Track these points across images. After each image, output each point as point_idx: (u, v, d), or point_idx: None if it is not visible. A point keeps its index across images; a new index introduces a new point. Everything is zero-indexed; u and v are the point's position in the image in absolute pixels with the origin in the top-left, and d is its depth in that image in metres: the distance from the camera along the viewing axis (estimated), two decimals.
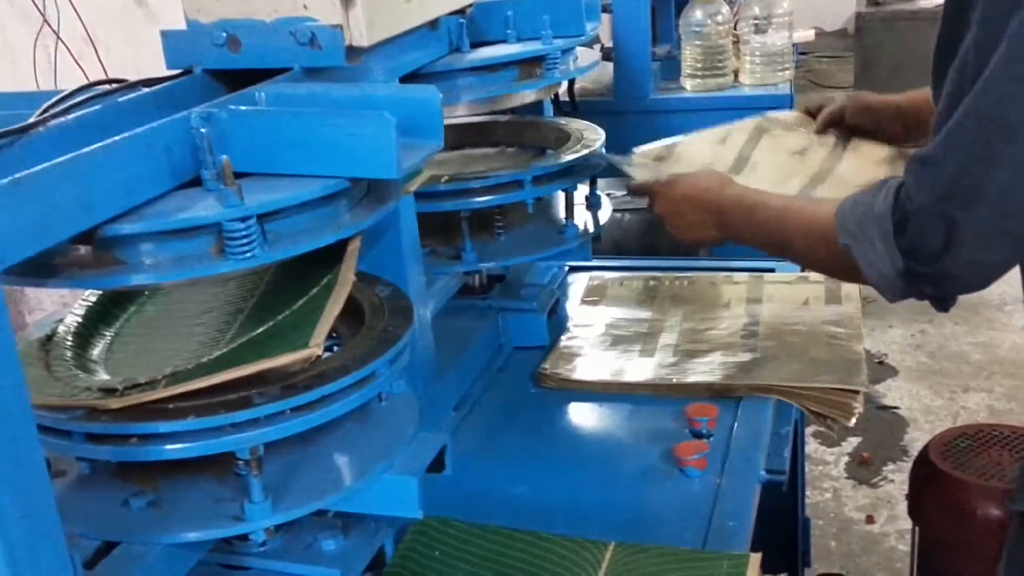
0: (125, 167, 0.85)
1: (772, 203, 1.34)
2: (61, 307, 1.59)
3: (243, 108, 0.95)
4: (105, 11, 2.13)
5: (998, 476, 1.68)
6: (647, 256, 2.37)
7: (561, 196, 1.68)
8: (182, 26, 1.16)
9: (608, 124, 1.73)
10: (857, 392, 1.51)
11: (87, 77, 1.96)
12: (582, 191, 1.71)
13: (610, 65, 3.21)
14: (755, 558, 1.10)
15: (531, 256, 1.64)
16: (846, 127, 1.67)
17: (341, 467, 1.02)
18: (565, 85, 1.78)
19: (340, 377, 0.96)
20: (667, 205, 1.47)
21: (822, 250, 1.19)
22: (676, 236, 1.49)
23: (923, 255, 1.06)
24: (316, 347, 0.90)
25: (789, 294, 1.83)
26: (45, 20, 1.93)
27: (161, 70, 1.15)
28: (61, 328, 1.07)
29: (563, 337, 1.76)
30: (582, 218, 1.68)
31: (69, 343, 1.05)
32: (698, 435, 1.42)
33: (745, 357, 1.62)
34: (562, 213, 1.67)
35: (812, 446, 3.16)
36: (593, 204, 1.73)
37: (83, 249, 0.88)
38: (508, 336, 1.76)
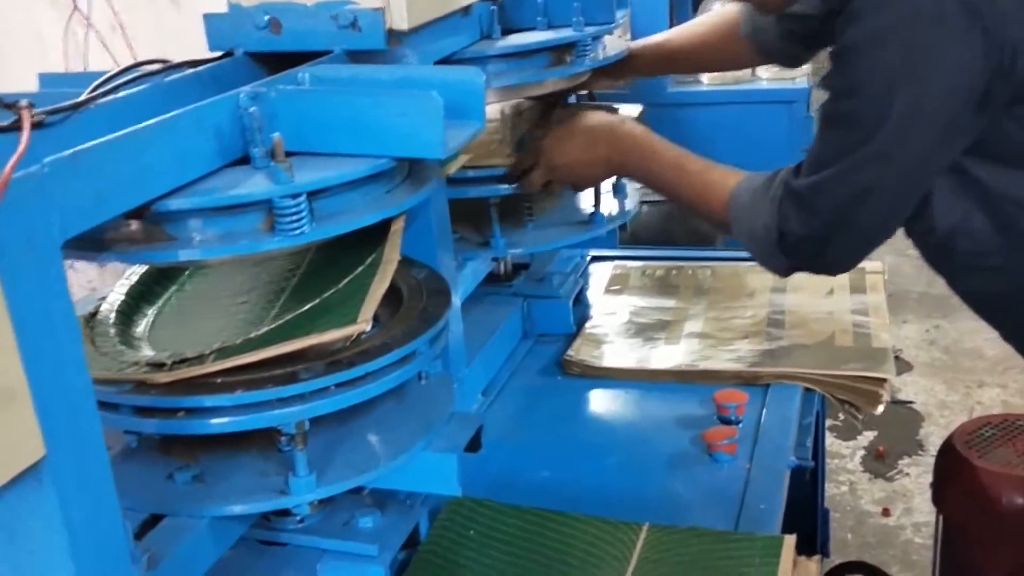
0: (177, 144, 0.87)
1: (667, 157, 1.43)
2: (90, 292, 1.60)
3: (291, 88, 0.96)
4: None
5: (1023, 466, 1.68)
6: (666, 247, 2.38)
7: None
8: (208, 12, 1.17)
9: None
10: (884, 380, 1.51)
11: (116, 63, 1.97)
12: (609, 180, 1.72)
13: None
14: (789, 539, 1.11)
15: (559, 243, 1.65)
16: None
17: (382, 444, 1.04)
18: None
19: (383, 354, 0.97)
20: (561, 150, 1.48)
21: (713, 219, 1.39)
22: (576, 181, 1.53)
23: (802, 259, 1.30)
24: (365, 323, 0.91)
25: (814, 283, 1.83)
26: (76, 6, 1.95)
27: (188, 56, 1.15)
28: (104, 306, 1.09)
29: (588, 325, 1.77)
30: (608, 206, 1.69)
31: (113, 321, 1.06)
32: (727, 421, 1.43)
33: (771, 345, 1.63)
34: (589, 201, 1.68)
35: (828, 440, 3.16)
36: (619, 192, 1.73)
37: (134, 224, 0.89)
38: (533, 323, 1.76)
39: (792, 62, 1.61)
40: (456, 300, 1.43)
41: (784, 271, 1.34)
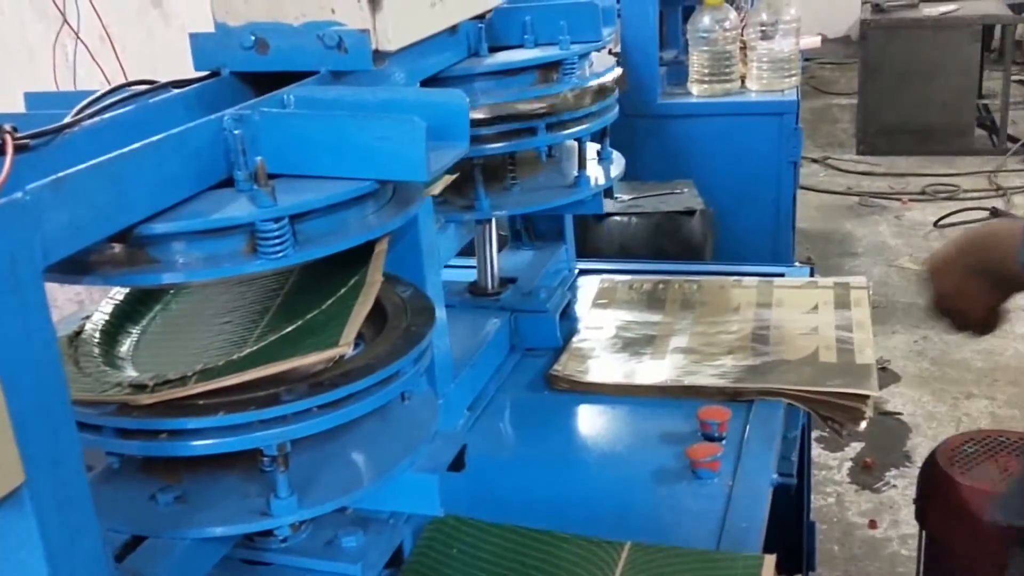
0: (161, 167, 0.87)
1: None
2: (77, 305, 1.60)
3: (275, 111, 0.97)
4: (121, 11, 2.15)
5: (1005, 482, 1.70)
6: (654, 260, 2.39)
7: (574, 148, 1.66)
8: (197, 27, 1.17)
9: (614, 128, 1.73)
10: (867, 397, 1.52)
11: (105, 75, 1.98)
12: (594, 147, 1.70)
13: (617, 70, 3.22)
14: (770, 559, 1.12)
15: (544, 205, 1.62)
16: None
17: (364, 464, 1.04)
18: None
19: (366, 376, 0.97)
20: (946, 272, 1.17)
21: None
22: (960, 311, 1.19)
23: None
24: (346, 345, 0.92)
25: (799, 299, 1.85)
26: (65, 20, 1.95)
27: (176, 70, 1.16)
28: (88, 326, 1.09)
29: (574, 339, 1.77)
30: (594, 171, 1.67)
31: (97, 340, 1.06)
32: (710, 438, 1.44)
33: (756, 361, 1.64)
34: (574, 164, 1.66)
35: (815, 451, 3.17)
36: (605, 158, 1.71)
37: (117, 247, 0.89)
38: (520, 337, 1.77)
39: None
40: (442, 316, 1.44)
41: None
